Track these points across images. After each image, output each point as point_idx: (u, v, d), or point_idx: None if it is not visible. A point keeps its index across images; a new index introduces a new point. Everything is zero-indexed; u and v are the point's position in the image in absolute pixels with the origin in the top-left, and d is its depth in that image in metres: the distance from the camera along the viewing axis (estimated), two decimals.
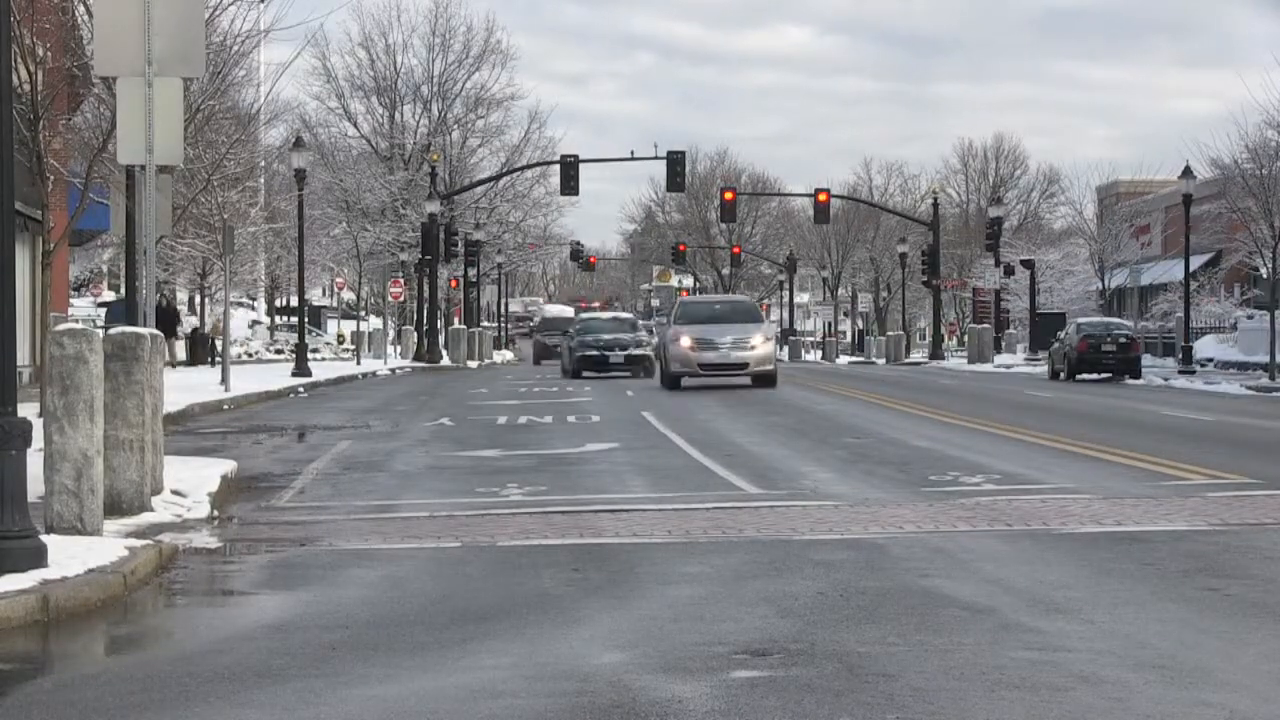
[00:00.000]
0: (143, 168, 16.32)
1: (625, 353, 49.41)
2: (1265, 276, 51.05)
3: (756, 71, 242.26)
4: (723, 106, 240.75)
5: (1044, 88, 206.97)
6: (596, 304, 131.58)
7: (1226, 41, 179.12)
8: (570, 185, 66.68)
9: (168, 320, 47.36)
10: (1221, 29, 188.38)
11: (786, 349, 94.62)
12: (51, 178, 25.56)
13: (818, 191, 78.10)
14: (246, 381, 37.01)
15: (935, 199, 78.95)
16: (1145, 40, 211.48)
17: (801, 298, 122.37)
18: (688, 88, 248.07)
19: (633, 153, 73.61)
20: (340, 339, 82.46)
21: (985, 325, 72.44)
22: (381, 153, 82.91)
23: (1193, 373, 47.33)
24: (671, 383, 37.98)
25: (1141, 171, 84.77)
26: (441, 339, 69.92)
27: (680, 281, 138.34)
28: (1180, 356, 50.17)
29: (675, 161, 66.63)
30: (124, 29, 15.19)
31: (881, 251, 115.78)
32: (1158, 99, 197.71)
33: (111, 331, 13.61)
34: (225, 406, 30.97)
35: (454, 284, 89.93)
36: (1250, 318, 56.92)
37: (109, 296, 78.25)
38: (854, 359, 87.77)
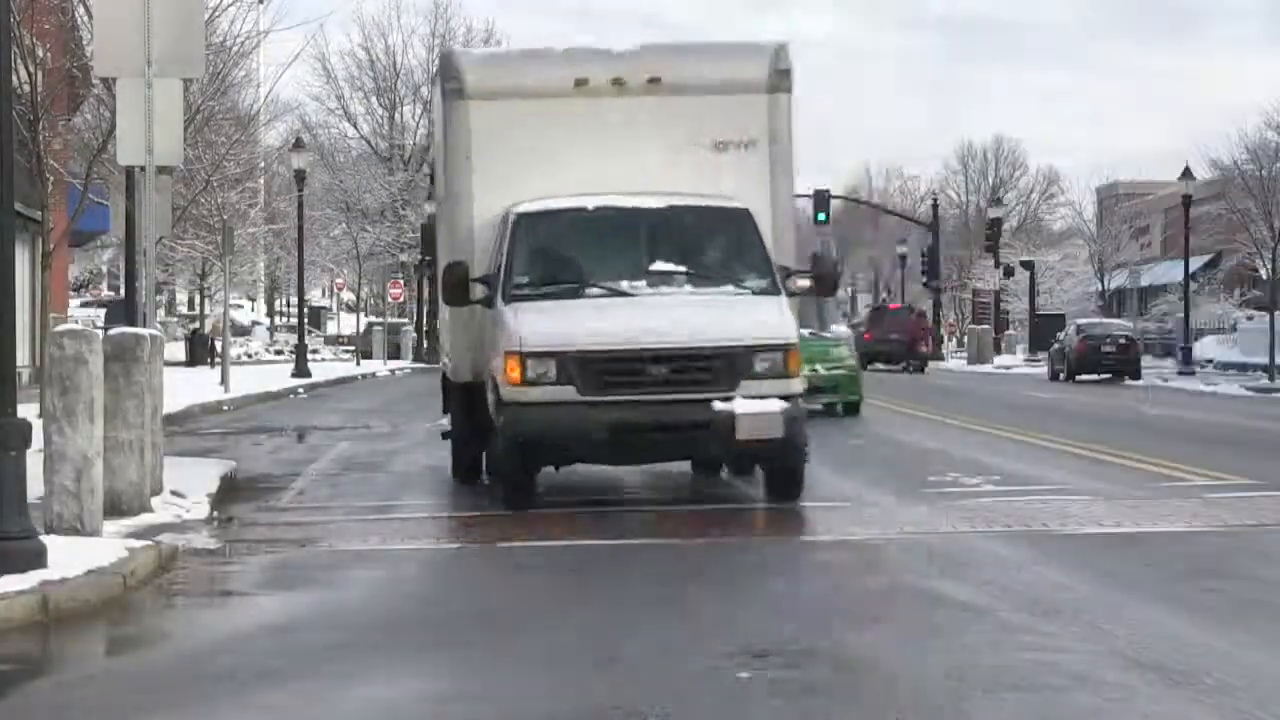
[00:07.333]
0: (142, 168, 16.28)
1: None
2: (1265, 277, 51.08)
3: None
4: None
5: (1090, 76, 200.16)
6: None
7: None
8: None
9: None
10: None
11: None
12: (51, 178, 25.52)
13: (817, 192, 78.08)
14: (246, 382, 36.98)
15: (935, 200, 78.96)
16: (1203, 24, 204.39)
17: None
18: None
19: None
20: (340, 340, 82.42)
21: (985, 326, 72.46)
22: (381, 153, 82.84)
23: (1193, 374, 47.35)
24: None
25: (1141, 173, 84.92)
26: None
27: None
28: (1180, 357, 50.16)
29: None
30: (124, 29, 15.16)
31: (881, 253, 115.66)
32: (1214, 87, 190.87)
33: (111, 332, 13.60)
34: (225, 407, 30.96)
35: None
36: (1250, 319, 56.90)
37: (109, 296, 78.24)
38: None
